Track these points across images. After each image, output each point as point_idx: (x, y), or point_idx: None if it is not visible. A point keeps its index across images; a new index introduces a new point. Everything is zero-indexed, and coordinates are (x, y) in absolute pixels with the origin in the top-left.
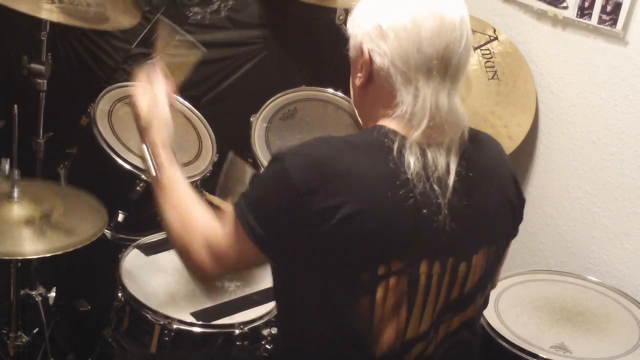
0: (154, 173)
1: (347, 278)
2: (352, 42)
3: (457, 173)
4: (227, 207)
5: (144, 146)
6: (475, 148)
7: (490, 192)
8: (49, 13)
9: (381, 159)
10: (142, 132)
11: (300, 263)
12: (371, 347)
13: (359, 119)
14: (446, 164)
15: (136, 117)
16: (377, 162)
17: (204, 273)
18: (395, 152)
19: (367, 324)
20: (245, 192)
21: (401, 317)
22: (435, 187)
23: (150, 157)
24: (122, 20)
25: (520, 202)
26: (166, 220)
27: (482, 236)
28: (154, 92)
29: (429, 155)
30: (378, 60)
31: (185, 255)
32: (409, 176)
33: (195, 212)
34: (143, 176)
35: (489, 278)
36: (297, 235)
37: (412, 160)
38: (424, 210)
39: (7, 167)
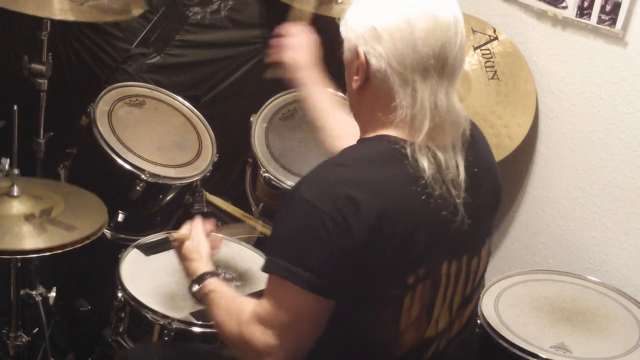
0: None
1: (378, 291)
2: (347, 46)
3: (466, 171)
4: (228, 207)
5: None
6: (475, 143)
7: (488, 184)
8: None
9: (398, 167)
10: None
11: (345, 287)
12: (393, 349)
13: (357, 123)
14: (455, 163)
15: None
16: (394, 171)
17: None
18: (410, 158)
19: (393, 330)
20: (275, 247)
21: (423, 320)
22: (451, 188)
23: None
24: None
25: (500, 186)
26: (221, 326)
27: (486, 228)
28: (198, 239)
29: (439, 157)
30: (374, 62)
31: (246, 345)
32: (426, 180)
33: (243, 305)
34: (143, 176)
35: (487, 265)
36: (343, 262)
37: (426, 165)
38: (444, 213)
39: (7, 164)
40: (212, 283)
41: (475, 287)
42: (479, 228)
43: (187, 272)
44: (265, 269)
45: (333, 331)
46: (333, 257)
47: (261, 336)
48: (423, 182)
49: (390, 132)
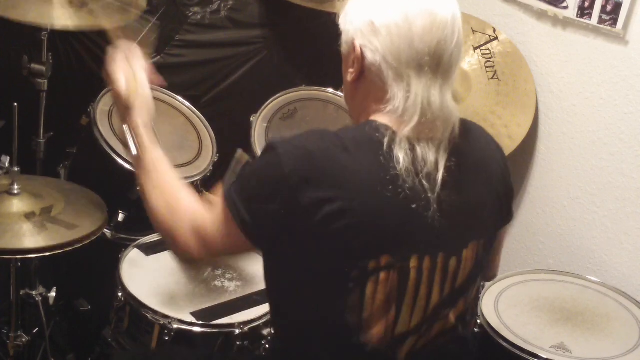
0: (135, 152)
1: (336, 272)
2: (344, 38)
3: (447, 168)
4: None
5: (125, 127)
6: (465, 141)
7: (479, 185)
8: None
9: (371, 154)
10: (122, 112)
11: (289, 255)
12: (361, 341)
13: (350, 114)
14: (435, 159)
15: (115, 96)
16: (367, 158)
17: (189, 256)
18: (385, 148)
19: (357, 317)
20: (237, 180)
21: (391, 312)
22: (425, 182)
23: (132, 137)
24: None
25: (508, 190)
26: (150, 202)
27: (472, 230)
28: (133, 70)
29: (419, 150)
30: (370, 56)
31: (171, 239)
32: (398, 171)
33: (181, 195)
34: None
35: (479, 271)
36: (285, 227)
37: (401, 156)
38: (413, 206)
39: (7, 162)
40: (157, 153)
41: (458, 289)
42: (460, 227)
43: (124, 113)
44: (224, 191)
45: (302, 314)
46: (277, 216)
47: (191, 243)
48: (394, 172)
49: (378, 118)
